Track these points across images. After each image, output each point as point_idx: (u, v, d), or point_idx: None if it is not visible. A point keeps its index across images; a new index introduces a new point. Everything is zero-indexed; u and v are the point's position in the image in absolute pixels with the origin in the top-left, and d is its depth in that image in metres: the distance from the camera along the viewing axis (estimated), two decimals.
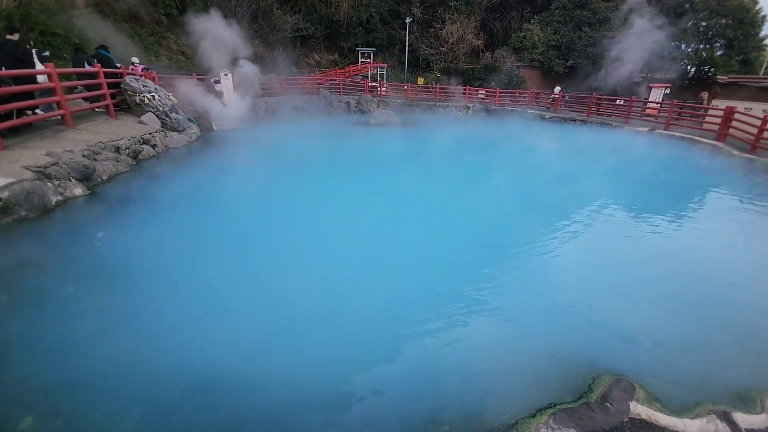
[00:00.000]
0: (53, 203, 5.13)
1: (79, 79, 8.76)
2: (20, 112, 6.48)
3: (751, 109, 13.33)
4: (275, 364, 2.86)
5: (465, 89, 22.62)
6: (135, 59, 12.48)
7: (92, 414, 2.32)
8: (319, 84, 20.39)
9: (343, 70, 24.11)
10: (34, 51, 7.00)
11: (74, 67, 9.06)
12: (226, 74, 13.85)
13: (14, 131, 6.30)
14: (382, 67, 25.86)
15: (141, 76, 11.67)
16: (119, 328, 3.12)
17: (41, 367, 2.65)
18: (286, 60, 23.85)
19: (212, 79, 14.08)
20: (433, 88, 23.25)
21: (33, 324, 3.07)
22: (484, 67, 26.38)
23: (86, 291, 3.59)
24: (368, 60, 26.35)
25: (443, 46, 27.17)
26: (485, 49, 28.42)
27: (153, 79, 11.25)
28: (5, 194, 4.46)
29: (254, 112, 14.87)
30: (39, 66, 6.97)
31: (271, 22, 22.92)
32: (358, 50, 26.27)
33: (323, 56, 26.60)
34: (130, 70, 12.07)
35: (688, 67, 24.67)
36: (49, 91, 7.00)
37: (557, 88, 22.14)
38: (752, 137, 10.21)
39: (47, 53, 8.60)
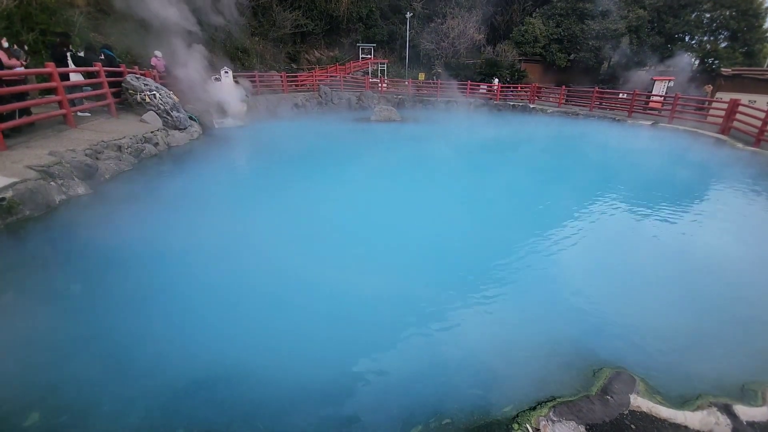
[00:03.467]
0: (57, 202, 5.17)
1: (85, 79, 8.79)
2: (22, 112, 6.53)
3: (755, 101, 13.20)
4: (279, 359, 2.89)
5: (466, 84, 22.53)
6: (158, 53, 12.57)
7: (98, 409, 2.36)
8: (319, 80, 20.33)
9: (343, 67, 24.03)
10: (68, 54, 8.24)
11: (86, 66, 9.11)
12: (227, 72, 13.84)
13: (17, 131, 6.34)
14: (383, 63, 25.74)
15: (163, 71, 11.93)
16: (124, 324, 3.16)
17: (47, 363, 2.69)
18: (287, 57, 23.82)
19: (213, 77, 14.07)
20: (434, 83, 23.15)
21: (38, 321, 3.11)
22: (486, 62, 26.21)
23: (91, 288, 3.63)
24: (369, 56, 26.23)
25: (444, 41, 27.01)
26: (487, 43, 28.23)
27: (154, 78, 11.27)
28: (9, 194, 4.50)
29: (255, 110, 14.86)
30: (71, 66, 8.13)
31: (271, 18, 22.83)
32: (359, 46, 26.16)
33: (323, 53, 26.48)
34: (152, 65, 12.24)
35: (692, 60, 24.45)
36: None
37: (495, 80, 23.73)
38: (756, 130, 10.12)
39: (81, 53, 8.77)
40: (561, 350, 2.98)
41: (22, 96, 6.45)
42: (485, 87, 23.12)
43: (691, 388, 2.62)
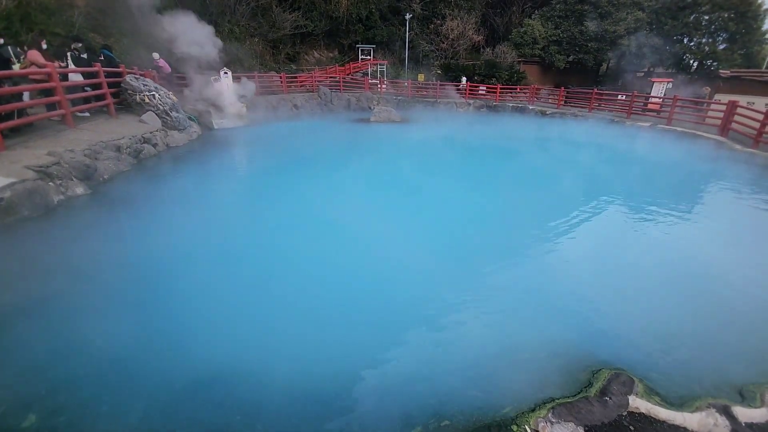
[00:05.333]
0: (55, 203, 5.16)
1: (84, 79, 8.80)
2: (21, 112, 6.52)
3: (753, 103, 13.23)
4: (278, 361, 2.88)
5: (466, 85, 22.56)
6: (156, 55, 12.66)
7: (96, 410, 2.35)
8: (319, 81, 20.33)
9: (343, 68, 24.04)
10: (69, 54, 8.34)
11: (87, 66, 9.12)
12: (226, 72, 13.83)
13: (15, 131, 6.33)
14: (383, 64, 25.75)
15: (167, 70, 12.04)
16: (122, 325, 3.15)
17: (45, 364, 2.68)
18: (286, 57, 23.82)
19: (212, 78, 14.06)
20: (433, 84, 23.18)
21: (36, 322, 3.10)
22: (485, 64, 26.25)
23: (89, 289, 3.62)
24: (368, 57, 26.24)
25: (443, 43, 27.04)
26: (486, 44, 28.28)
27: (153, 78, 11.27)
28: (7, 194, 4.49)
29: (254, 111, 14.87)
30: (72, 67, 8.23)
31: (271, 19, 22.83)
32: (358, 47, 26.16)
33: (323, 53, 26.50)
34: (159, 66, 12.34)
35: (691, 62, 24.52)
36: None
37: (464, 79, 23.78)
38: (755, 131, 10.15)
39: (85, 55, 8.78)
40: (560, 351, 2.98)
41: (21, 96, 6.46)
42: (484, 88, 23.12)
43: (690, 389, 2.63)
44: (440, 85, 22.89)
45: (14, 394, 2.41)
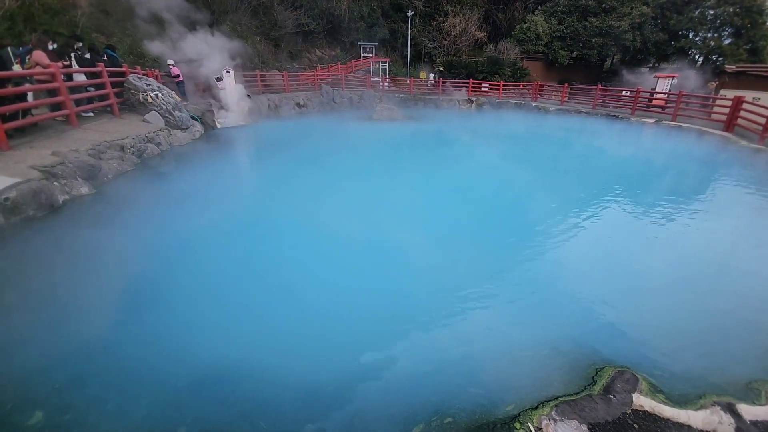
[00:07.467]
0: (60, 202, 5.19)
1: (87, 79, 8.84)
2: (25, 112, 6.56)
3: (759, 98, 13.08)
4: (282, 359, 2.89)
5: (468, 83, 22.47)
6: (170, 61, 12.89)
7: (101, 407, 2.37)
8: (321, 80, 20.32)
9: (345, 66, 24.00)
10: (72, 54, 8.36)
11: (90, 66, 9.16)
12: (228, 72, 13.83)
13: (20, 131, 6.37)
14: (384, 62, 25.68)
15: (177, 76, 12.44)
16: (128, 323, 3.17)
17: (51, 362, 2.71)
18: (288, 56, 23.81)
19: (215, 77, 14.08)
20: (435, 81, 23.10)
21: (41, 320, 3.13)
22: (488, 60, 26.11)
23: (94, 288, 3.65)
24: (370, 55, 26.15)
25: (446, 39, 26.93)
26: (488, 41, 28.12)
27: (156, 78, 11.31)
28: (12, 194, 4.52)
29: (257, 109, 14.88)
30: (76, 67, 8.29)
31: (272, 17, 22.81)
32: (360, 45, 26.10)
33: (325, 51, 26.43)
34: (170, 72, 12.51)
35: (696, 57, 24.31)
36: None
37: (431, 75, 24.36)
38: (761, 127, 10.04)
39: (87, 55, 8.82)
40: (563, 349, 2.97)
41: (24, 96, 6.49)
42: (487, 85, 23.00)
43: (694, 387, 2.61)
44: (470, 83, 22.79)
45: (21, 392, 2.44)
